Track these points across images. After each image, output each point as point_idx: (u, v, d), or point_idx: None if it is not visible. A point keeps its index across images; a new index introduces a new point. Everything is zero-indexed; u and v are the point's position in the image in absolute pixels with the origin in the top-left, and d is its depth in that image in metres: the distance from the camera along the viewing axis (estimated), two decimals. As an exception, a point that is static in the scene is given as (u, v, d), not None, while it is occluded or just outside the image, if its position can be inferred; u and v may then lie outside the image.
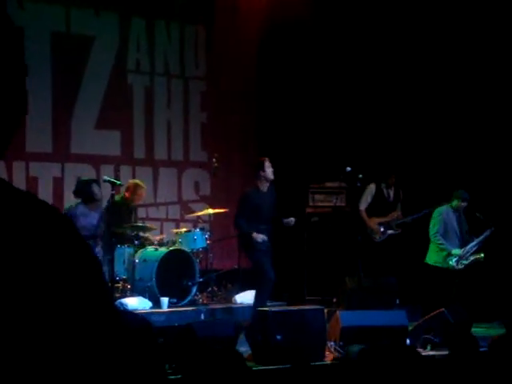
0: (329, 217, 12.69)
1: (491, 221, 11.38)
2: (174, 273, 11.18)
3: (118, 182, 10.26)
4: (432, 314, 9.49)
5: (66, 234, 1.40)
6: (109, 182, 10.06)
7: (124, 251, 11.10)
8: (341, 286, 11.21)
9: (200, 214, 12.28)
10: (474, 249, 11.44)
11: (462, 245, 11.45)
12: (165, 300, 10.79)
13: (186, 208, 13.37)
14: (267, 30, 13.66)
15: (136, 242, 11.38)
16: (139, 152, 13.18)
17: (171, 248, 11.30)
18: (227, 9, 13.85)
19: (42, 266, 1.34)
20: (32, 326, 1.32)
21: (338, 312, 9.19)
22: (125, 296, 10.79)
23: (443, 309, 9.40)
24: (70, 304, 1.34)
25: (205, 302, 11.52)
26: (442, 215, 11.46)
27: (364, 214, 12.11)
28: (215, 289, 11.85)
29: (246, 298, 11.51)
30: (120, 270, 10.90)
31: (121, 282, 10.98)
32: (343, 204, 12.76)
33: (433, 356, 8.60)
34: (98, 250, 9.62)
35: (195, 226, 12.28)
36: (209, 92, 13.85)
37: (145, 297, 10.84)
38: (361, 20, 13.22)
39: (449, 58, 12.76)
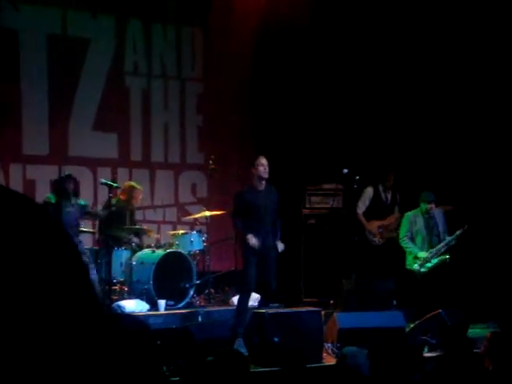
0: (325, 219, 12.69)
1: (467, 220, 11.39)
2: (171, 275, 11.18)
3: (115, 185, 10.27)
4: (429, 315, 9.50)
5: (44, 226, 1.40)
6: (106, 184, 10.06)
7: (121, 253, 11.10)
8: (338, 287, 11.21)
9: (197, 216, 12.28)
10: (443, 250, 11.41)
11: (431, 247, 11.44)
12: (162, 302, 10.79)
13: (183, 210, 13.37)
14: (263, 32, 13.66)
15: (133, 244, 11.39)
16: (136, 154, 13.19)
17: (168, 250, 11.30)
18: (223, 11, 13.85)
19: (22, 261, 1.34)
20: (14, 324, 1.32)
21: (335, 314, 9.21)
22: (122, 298, 10.79)
23: (440, 310, 9.41)
24: (52, 301, 1.34)
25: (202, 304, 11.52)
26: (410, 219, 11.50)
27: (362, 218, 12.13)
28: (212, 291, 11.85)
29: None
30: (117, 273, 10.90)
31: (118, 285, 10.98)
32: (340, 206, 12.76)
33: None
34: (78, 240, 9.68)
35: (192, 228, 12.29)
36: (205, 94, 13.86)
37: (142, 299, 10.83)
38: (357, 20, 13.23)
39: (443, 61, 12.78)
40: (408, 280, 11.58)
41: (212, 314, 10.95)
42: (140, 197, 11.77)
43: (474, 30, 12.42)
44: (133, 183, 11.86)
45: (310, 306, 9.95)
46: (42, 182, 12.20)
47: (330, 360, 8.51)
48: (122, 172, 12.76)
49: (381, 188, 12.18)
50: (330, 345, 8.79)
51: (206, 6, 13.80)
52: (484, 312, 11.03)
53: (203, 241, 11.75)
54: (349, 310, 10.16)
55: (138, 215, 12.35)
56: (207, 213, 12.08)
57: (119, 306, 10.44)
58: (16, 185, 11.69)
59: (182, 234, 11.87)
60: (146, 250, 11.37)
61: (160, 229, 13.08)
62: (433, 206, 11.41)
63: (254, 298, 11.59)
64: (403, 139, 12.99)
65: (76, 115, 12.55)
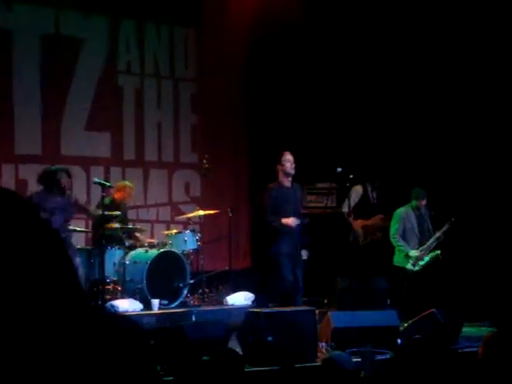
0: (320, 217, 12.68)
1: (453, 214, 11.42)
2: (164, 274, 11.16)
3: (108, 184, 10.24)
4: (422, 314, 9.49)
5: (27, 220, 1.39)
6: (99, 183, 10.03)
7: (114, 253, 11.08)
8: (332, 286, 11.21)
9: (190, 215, 12.26)
10: (433, 245, 11.44)
11: (422, 244, 11.46)
12: (156, 302, 10.78)
13: (177, 209, 13.34)
14: (257, 32, 13.64)
15: (126, 243, 11.37)
16: (129, 153, 13.16)
17: (162, 250, 11.28)
18: (217, 10, 13.84)
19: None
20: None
21: (329, 313, 9.20)
22: (115, 298, 10.76)
23: (434, 309, 9.41)
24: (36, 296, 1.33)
25: (196, 303, 11.50)
26: (402, 215, 11.50)
27: (348, 216, 12.11)
28: (206, 290, 11.83)
29: (238, 299, 11.51)
30: (110, 272, 10.88)
31: (111, 284, 10.95)
32: (334, 205, 12.76)
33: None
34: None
35: (186, 228, 12.28)
36: (199, 93, 13.84)
37: (135, 299, 10.81)
38: (351, 19, 13.24)
39: (436, 58, 12.80)
40: (398, 278, 11.59)
41: (206, 313, 10.93)
42: (132, 193, 11.85)
43: (470, 29, 12.42)
44: (126, 182, 11.91)
45: (304, 305, 9.94)
46: (35, 182, 12.16)
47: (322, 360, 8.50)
48: (115, 171, 12.75)
49: (369, 187, 12.18)
50: (324, 344, 8.78)
51: (200, 6, 13.79)
52: (479, 311, 11.04)
53: (197, 240, 11.74)
54: (343, 309, 10.15)
55: (132, 214, 12.33)
56: (201, 212, 12.07)
57: (112, 306, 10.41)
58: (8, 184, 11.65)
59: (176, 233, 11.86)
60: (139, 249, 11.36)
61: (153, 228, 13.07)
62: (424, 202, 11.44)
63: (248, 297, 11.60)
64: (396, 138, 13.01)
65: (69, 114, 12.52)
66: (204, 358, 4.79)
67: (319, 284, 11.93)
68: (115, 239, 11.21)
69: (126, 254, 11.17)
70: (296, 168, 13.23)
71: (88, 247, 11.13)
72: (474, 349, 6.11)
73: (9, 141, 12.02)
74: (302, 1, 13.45)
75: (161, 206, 13.38)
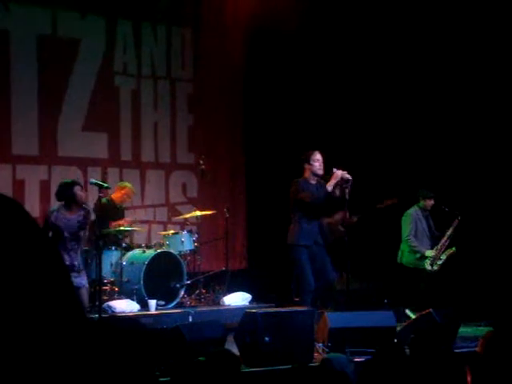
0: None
1: (456, 210, 11.43)
2: (161, 275, 11.16)
3: (105, 185, 10.22)
4: (419, 314, 9.50)
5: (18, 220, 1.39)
6: (96, 184, 10.01)
7: (111, 254, 11.08)
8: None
9: (187, 216, 12.27)
10: (447, 244, 11.47)
11: (433, 244, 11.47)
12: (152, 302, 10.78)
13: (174, 210, 13.34)
14: (254, 32, 13.65)
15: (123, 244, 11.37)
16: (126, 154, 13.15)
17: (159, 250, 11.29)
18: (214, 11, 13.85)
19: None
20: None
21: (325, 313, 9.19)
22: (112, 299, 10.77)
23: (430, 309, 9.41)
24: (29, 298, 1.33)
25: (193, 304, 11.51)
26: (413, 216, 11.50)
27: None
28: (203, 291, 11.84)
29: (234, 299, 11.52)
30: (107, 273, 10.88)
31: (108, 285, 10.96)
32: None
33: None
34: (75, 256, 9.32)
35: (183, 228, 12.28)
36: (195, 94, 13.84)
37: (132, 299, 10.82)
38: (348, 20, 13.24)
39: (433, 62, 12.81)
40: (409, 278, 11.60)
41: (203, 314, 10.94)
42: (131, 194, 11.88)
43: (470, 29, 12.43)
44: (127, 183, 11.94)
45: (301, 306, 9.94)
46: (32, 183, 12.17)
47: (320, 360, 8.49)
48: (112, 172, 12.75)
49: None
50: (320, 344, 8.78)
51: (197, 6, 13.79)
52: (476, 311, 11.05)
53: (194, 241, 11.75)
54: (339, 310, 10.15)
55: (128, 215, 12.33)
56: (198, 213, 12.08)
57: (109, 307, 10.43)
58: (5, 185, 11.66)
59: (173, 234, 11.87)
60: (136, 250, 11.37)
61: (150, 229, 13.07)
62: (432, 202, 11.46)
63: (245, 298, 11.60)
64: (392, 138, 13.03)
65: (66, 115, 12.51)
66: (200, 358, 4.78)
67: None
68: (112, 240, 11.22)
69: (123, 254, 11.17)
70: (292, 168, 13.25)
71: (85, 248, 11.11)
72: (471, 349, 6.12)
73: (6, 141, 12.01)
74: (299, 0, 13.47)
75: (158, 207, 13.37)
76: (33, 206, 11.66)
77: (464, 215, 11.53)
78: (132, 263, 11.06)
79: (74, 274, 8.69)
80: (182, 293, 11.35)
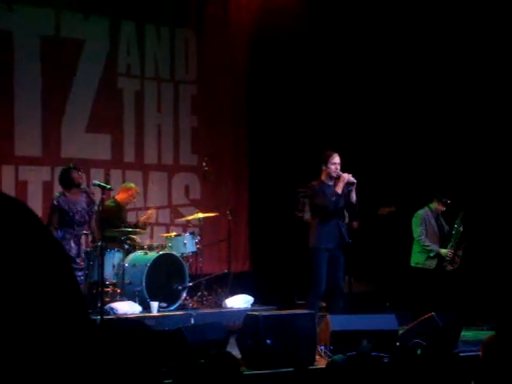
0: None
1: (461, 203, 11.44)
2: (163, 277, 11.16)
3: (108, 187, 10.23)
4: (422, 318, 9.48)
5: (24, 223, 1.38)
6: (99, 186, 10.02)
7: (113, 255, 11.06)
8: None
9: (190, 218, 12.26)
10: (458, 238, 11.45)
11: (443, 245, 11.45)
12: (155, 304, 10.77)
13: (176, 212, 13.33)
14: (257, 34, 13.66)
15: (126, 246, 11.35)
16: (129, 156, 13.15)
17: (161, 252, 11.28)
18: (217, 13, 13.84)
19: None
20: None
21: (328, 316, 9.18)
22: (114, 300, 10.75)
23: (433, 313, 9.39)
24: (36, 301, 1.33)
25: (195, 306, 11.50)
26: (423, 217, 11.49)
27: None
28: (205, 293, 11.83)
29: (236, 302, 11.51)
30: (109, 274, 10.86)
31: (110, 287, 10.94)
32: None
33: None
34: (80, 245, 9.77)
35: (185, 230, 12.27)
36: (199, 96, 13.83)
37: (135, 301, 10.81)
38: (351, 26, 13.24)
39: (437, 65, 12.81)
40: (402, 282, 11.58)
41: (205, 316, 10.92)
42: (135, 194, 11.91)
43: (470, 29, 12.43)
44: (132, 184, 11.95)
45: (303, 309, 9.92)
46: (35, 184, 12.17)
47: (322, 363, 8.48)
48: (115, 174, 12.74)
49: None
50: (322, 347, 8.77)
51: (200, 8, 13.79)
52: (478, 315, 11.03)
53: (196, 243, 11.74)
54: (342, 313, 10.13)
55: (131, 217, 12.32)
56: (200, 215, 12.08)
57: (111, 308, 10.41)
58: (8, 186, 11.67)
59: (175, 235, 11.86)
60: (138, 251, 11.36)
61: (153, 230, 13.05)
62: (443, 208, 11.45)
63: (247, 300, 11.59)
64: (392, 139, 13.04)
65: (69, 116, 12.51)
66: (201, 360, 4.78)
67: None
68: (114, 241, 11.20)
69: (126, 256, 11.16)
70: (295, 170, 13.28)
71: (87, 249, 11.11)
72: (473, 353, 6.11)
73: (9, 142, 12.02)
74: (303, 2, 13.47)
75: (160, 209, 13.36)
76: (35, 207, 11.64)
77: (465, 217, 11.49)
78: (134, 265, 11.05)
79: (77, 273, 8.94)
80: (184, 295, 11.34)
